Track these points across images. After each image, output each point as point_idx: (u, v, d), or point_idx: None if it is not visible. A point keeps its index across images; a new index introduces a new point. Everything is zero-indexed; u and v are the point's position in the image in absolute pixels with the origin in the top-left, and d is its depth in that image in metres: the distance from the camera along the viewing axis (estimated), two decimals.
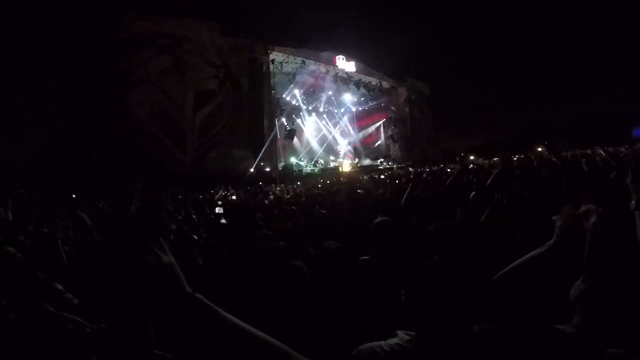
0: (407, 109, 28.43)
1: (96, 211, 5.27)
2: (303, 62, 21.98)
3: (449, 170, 9.45)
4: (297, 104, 25.21)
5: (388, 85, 27.61)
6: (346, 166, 22.95)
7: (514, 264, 1.20)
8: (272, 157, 21.16)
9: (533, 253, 1.19)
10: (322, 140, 27.88)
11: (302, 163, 23.73)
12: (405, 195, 3.43)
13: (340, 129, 29.04)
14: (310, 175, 19.71)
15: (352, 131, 29.72)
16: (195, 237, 2.92)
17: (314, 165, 23.10)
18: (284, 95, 23.73)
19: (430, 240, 1.86)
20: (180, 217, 4.66)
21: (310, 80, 23.32)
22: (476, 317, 0.94)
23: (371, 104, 28.34)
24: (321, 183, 11.27)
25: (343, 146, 28.74)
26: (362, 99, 28.10)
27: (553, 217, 1.97)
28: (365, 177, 11.27)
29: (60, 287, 1.36)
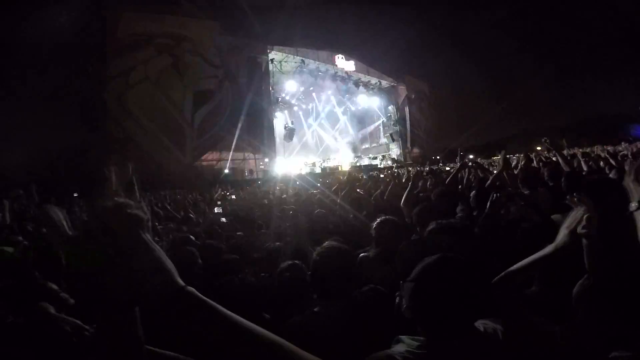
0: (407, 108, 28.42)
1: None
2: (302, 61, 21.97)
3: (448, 168, 9.46)
4: (296, 103, 25.19)
5: (387, 84, 27.60)
6: (345, 165, 22.94)
7: (518, 265, 1.19)
8: (271, 156, 21.15)
9: (537, 255, 1.18)
10: (322, 140, 27.87)
11: (301, 162, 23.71)
12: (405, 194, 3.42)
13: (340, 128, 29.03)
14: (309, 174, 19.70)
15: (351, 130, 29.71)
16: (192, 237, 2.91)
17: (314, 164, 23.09)
18: (283, 95, 23.71)
19: (431, 239, 1.86)
20: (179, 217, 4.65)
21: (309, 79, 23.31)
22: (480, 316, 0.93)
23: (370, 103, 28.34)
24: (320, 182, 11.27)
25: (342, 145, 28.73)
26: (362, 98, 28.10)
27: (552, 217, 1.97)
28: (364, 176, 11.27)
29: (55, 287, 1.35)
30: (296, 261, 1.90)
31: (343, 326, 1.34)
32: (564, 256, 1.14)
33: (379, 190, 4.85)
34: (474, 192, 2.88)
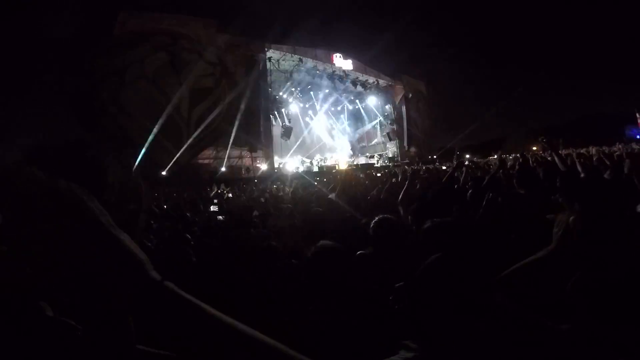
0: (404, 107, 28.47)
1: None
2: (300, 59, 21.92)
3: (444, 168, 9.49)
4: (293, 102, 25.15)
5: (385, 83, 27.62)
6: (343, 164, 22.95)
7: (514, 267, 1.20)
8: (268, 155, 21.10)
9: (533, 257, 1.19)
10: (319, 138, 27.84)
11: (298, 161, 23.70)
12: (401, 193, 3.43)
13: (337, 126, 29.03)
14: (306, 173, 19.69)
15: (348, 129, 29.72)
16: (188, 235, 2.90)
17: (311, 163, 23.08)
18: (280, 93, 23.67)
19: (425, 237, 1.86)
20: (175, 215, 4.63)
21: (307, 78, 23.28)
22: (479, 316, 0.94)
23: (368, 102, 28.35)
24: (317, 181, 11.27)
25: (339, 144, 28.74)
26: (359, 97, 28.10)
27: (547, 216, 1.98)
28: (361, 175, 11.29)
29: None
30: (293, 260, 1.90)
31: (338, 325, 1.34)
32: (557, 258, 1.15)
33: (375, 189, 4.86)
34: (470, 191, 2.89)
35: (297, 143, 26.13)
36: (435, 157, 24.99)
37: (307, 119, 27.03)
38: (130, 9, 17.54)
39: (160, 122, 17.34)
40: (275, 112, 22.87)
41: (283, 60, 21.84)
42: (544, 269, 1.29)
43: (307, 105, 26.40)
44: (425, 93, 31.18)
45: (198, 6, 19.08)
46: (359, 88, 26.07)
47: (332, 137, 28.61)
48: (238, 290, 1.93)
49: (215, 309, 0.44)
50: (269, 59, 21.20)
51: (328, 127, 28.39)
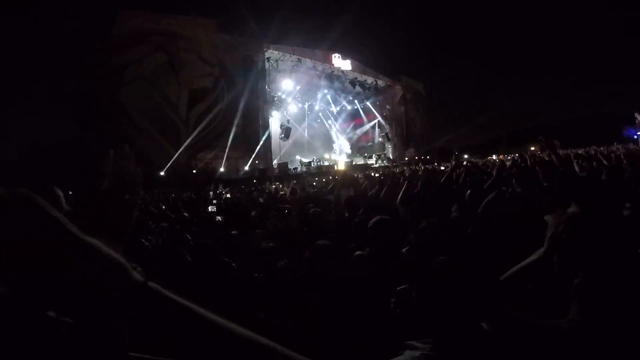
0: (402, 108, 28.53)
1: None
2: (299, 60, 21.93)
3: (442, 168, 9.50)
4: (292, 102, 25.14)
5: (383, 83, 27.66)
6: (341, 164, 22.95)
7: (510, 272, 1.21)
8: (267, 155, 21.09)
9: (525, 262, 1.20)
10: (317, 139, 27.84)
11: (297, 161, 23.69)
12: (400, 194, 3.43)
13: (336, 127, 29.04)
14: (305, 173, 19.67)
15: (347, 129, 29.74)
16: (188, 235, 2.89)
17: (309, 163, 23.07)
18: (279, 94, 23.66)
19: (421, 236, 1.86)
20: (173, 216, 4.61)
21: (305, 78, 23.28)
22: (486, 316, 0.95)
23: (366, 103, 28.37)
24: (316, 181, 11.26)
25: (338, 145, 28.75)
26: (358, 97, 28.12)
27: (545, 217, 1.98)
28: (360, 175, 11.28)
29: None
30: (292, 260, 1.90)
31: (337, 324, 1.33)
32: (552, 259, 1.15)
33: (374, 189, 4.85)
34: (469, 191, 2.89)
35: (296, 143, 26.12)
36: (433, 157, 25.03)
37: (306, 119, 27.03)
38: (129, 9, 17.50)
39: (158, 122, 17.31)
40: (274, 113, 22.86)
41: (282, 60, 21.84)
42: (539, 270, 1.30)
43: (305, 106, 26.40)
44: (424, 93, 31.26)
45: (197, 6, 19.03)
46: (358, 88, 26.09)
47: (330, 137, 28.62)
48: (236, 290, 1.92)
49: (211, 310, 0.42)
50: (268, 59, 21.20)
51: (327, 128, 28.40)
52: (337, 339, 1.33)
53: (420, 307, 0.98)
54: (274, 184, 11.94)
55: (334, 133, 28.86)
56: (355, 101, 28.38)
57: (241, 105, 19.86)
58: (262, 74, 21.06)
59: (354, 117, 29.75)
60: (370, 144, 30.10)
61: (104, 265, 0.37)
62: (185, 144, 18.33)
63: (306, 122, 27.04)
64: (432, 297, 0.97)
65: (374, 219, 2.12)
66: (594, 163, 5.07)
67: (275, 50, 21.24)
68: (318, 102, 26.61)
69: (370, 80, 26.57)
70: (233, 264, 2.27)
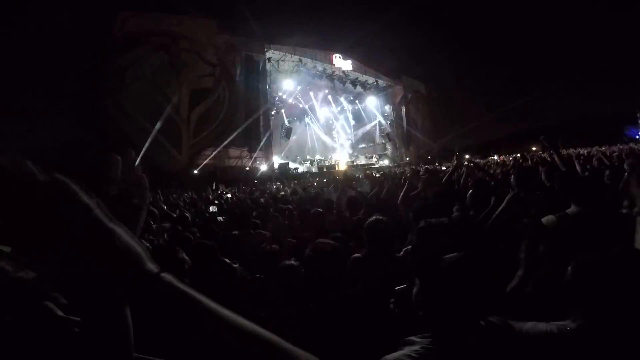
0: (403, 108, 28.50)
1: None
2: (300, 60, 21.92)
3: (444, 168, 9.50)
4: (293, 103, 25.15)
5: (384, 83, 27.65)
6: (342, 165, 22.96)
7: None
8: (268, 155, 21.10)
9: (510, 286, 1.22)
10: (319, 139, 27.85)
11: (298, 162, 23.71)
12: (401, 194, 3.42)
13: (337, 127, 29.04)
14: (306, 173, 19.68)
15: (348, 129, 29.73)
16: (190, 235, 2.89)
17: (311, 163, 23.08)
18: (280, 94, 23.67)
19: (419, 237, 1.86)
20: (175, 216, 4.62)
21: (306, 78, 23.28)
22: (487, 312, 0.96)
23: (367, 103, 28.36)
24: (317, 181, 11.27)
25: (339, 145, 28.75)
26: (359, 97, 28.11)
27: (542, 219, 1.97)
28: (361, 175, 11.29)
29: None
30: (293, 262, 1.89)
31: (336, 322, 1.34)
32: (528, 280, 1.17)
33: (375, 189, 4.85)
34: (470, 191, 2.89)
35: (297, 143, 26.14)
36: (434, 157, 25.00)
37: (307, 119, 27.03)
38: (130, 10, 17.53)
39: (159, 122, 17.33)
40: (275, 113, 22.88)
41: (282, 60, 21.84)
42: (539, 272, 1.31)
43: (306, 106, 26.41)
44: (425, 93, 31.22)
45: (197, 6, 19.04)
46: (359, 88, 26.09)
47: (331, 137, 28.62)
48: (237, 290, 1.92)
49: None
50: (269, 59, 21.21)
51: (328, 128, 28.40)
52: (338, 336, 1.33)
53: (420, 306, 0.99)
54: (275, 184, 11.95)
55: (335, 133, 28.86)
56: (356, 101, 28.38)
57: (242, 106, 19.88)
58: (263, 74, 21.06)
59: (355, 117, 29.75)
60: (371, 144, 30.10)
61: (122, 251, 0.38)
62: (187, 144, 18.35)
63: (307, 122, 27.05)
64: (432, 297, 0.97)
65: (370, 219, 2.11)
66: (596, 163, 5.06)
67: (276, 50, 21.25)
68: (319, 102, 26.61)
69: (371, 80, 26.56)
70: (234, 264, 2.27)
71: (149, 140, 16.98)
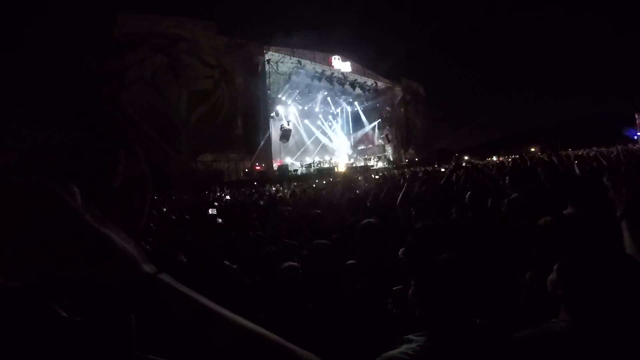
0: (402, 110, 28.54)
1: None
2: (299, 62, 21.95)
3: (443, 170, 9.51)
4: (292, 104, 25.18)
5: (383, 85, 27.69)
6: (341, 166, 22.97)
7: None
8: (267, 157, 21.10)
9: None
10: (318, 141, 27.86)
11: (297, 163, 23.70)
12: (400, 195, 3.43)
13: (336, 129, 29.07)
14: (305, 175, 19.68)
15: (347, 131, 29.76)
16: (190, 237, 2.89)
17: (310, 165, 23.09)
18: (279, 95, 23.69)
19: (416, 238, 1.87)
20: (174, 218, 4.62)
21: (305, 80, 23.31)
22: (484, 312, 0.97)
23: (366, 105, 28.40)
24: (316, 183, 11.27)
25: (338, 146, 28.77)
26: (358, 99, 28.14)
27: (539, 221, 1.98)
28: (360, 177, 11.29)
29: None
30: (294, 263, 1.90)
31: (336, 322, 1.34)
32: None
33: (374, 191, 4.86)
34: (469, 193, 2.90)
35: (296, 145, 26.14)
36: (433, 159, 25.02)
37: (306, 121, 27.05)
38: (129, 12, 17.55)
39: (158, 124, 17.32)
40: (274, 115, 22.88)
41: (282, 62, 21.87)
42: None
43: (305, 108, 26.43)
44: (424, 95, 31.28)
45: (197, 8, 19.10)
46: (358, 90, 26.12)
47: (330, 139, 28.64)
48: (236, 293, 1.93)
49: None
50: (268, 61, 21.23)
51: (327, 129, 28.43)
52: (335, 335, 1.34)
53: (416, 306, 1.00)
54: (274, 187, 11.95)
55: (333, 135, 28.88)
56: (355, 103, 28.42)
57: (241, 108, 19.89)
58: (262, 76, 21.08)
59: (354, 119, 29.79)
60: (370, 145, 30.12)
61: (116, 256, 0.37)
62: (186, 146, 18.35)
63: (306, 124, 27.06)
64: (428, 297, 0.99)
65: (362, 222, 2.10)
66: (594, 164, 5.07)
67: (275, 52, 21.27)
68: (318, 104, 26.63)
69: (370, 82, 26.60)
70: (234, 267, 2.28)
71: (148, 142, 16.97)
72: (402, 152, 27.98)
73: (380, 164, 24.71)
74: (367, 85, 26.63)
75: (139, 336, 0.47)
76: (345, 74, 24.37)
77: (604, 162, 5.03)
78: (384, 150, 28.52)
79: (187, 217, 4.70)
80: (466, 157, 19.10)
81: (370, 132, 29.82)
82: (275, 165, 21.41)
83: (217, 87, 19.41)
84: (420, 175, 6.89)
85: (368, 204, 3.94)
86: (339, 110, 28.74)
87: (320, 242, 1.76)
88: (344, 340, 1.28)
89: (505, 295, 1.31)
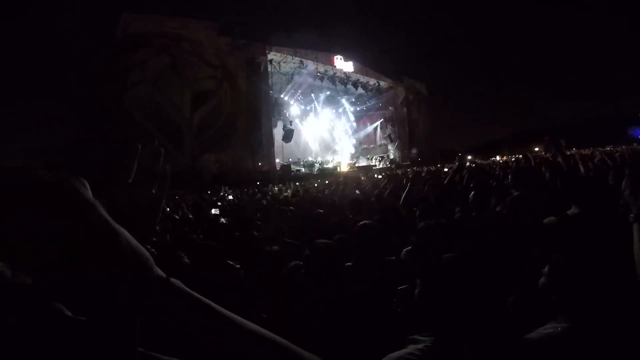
0: (405, 109, 28.47)
1: None
2: (301, 62, 21.96)
3: (446, 169, 9.48)
4: (295, 104, 25.19)
5: (386, 85, 27.64)
6: (344, 166, 22.95)
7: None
8: (269, 157, 21.13)
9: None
10: (320, 141, 27.86)
11: (300, 163, 23.71)
12: (403, 195, 3.42)
13: (338, 129, 29.05)
14: (308, 175, 19.68)
15: (350, 131, 29.74)
16: (194, 237, 2.90)
17: (312, 165, 23.09)
18: (281, 95, 23.71)
19: (419, 238, 1.86)
20: (177, 217, 4.63)
21: (308, 80, 23.32)
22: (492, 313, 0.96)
23: (369, 104, 28.35)
24: (318, 183, 11.27)
25: (341, 146, 28.75)
26: (360, 99, 28.11)
27: (544, 221, 1.97)
28: (363, 177, 11.28)
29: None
30: (299, 262, 1.90)
31: (339, 321, 1.34)
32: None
33: (377, 191, 4.85)
34: (472, 192, 2.88)
35: (299, 145, 26.14)
36: (436, 158, 24.95)
37: (309, 121, 27.06)
38: (132, 12, 17.64)
39: (162, 124, 17.39)
40: (277, 115, 22.91)
41: (284, 62, 21.89)
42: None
43: (308, 108, 26.43)
44: (427, 94, 31.19)
45: (199, 9, 19.18)
46: (360, 90, 26.08)
47: (333, 139, 28.63)
48: (239, 292, 1.93)
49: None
50: (270, 61, 21.25)
51: (329, 129, 28.42)
52: (340, 336, 1.34)
53: (423, 306, 0.99)
54: (277, 186, 11.96)
55: (336, 135, 28.86)
56: (358, 102, 28.38)
57: (244, 108, 19.94)
58: (265, 76, 21.11)
59: (357, 119, 29.76)
60: (373, 145, 30.07)
61: (128, 256, 0.36)
62: (189, 146, 18.41)
63: (309, 124, 27.07)
64: (434, 296, 0.98)
65: (359, 223, 2.09)
66: (599, 163, 5.04)
67: (278, 52, 21.29)
68: (320, 104, 26.63)
69: (372, 81, 26.56)
70: (237, 266, 2.28)
71: (151, 142, 17.00)
72: (405, 151, 27.92)
73: (383, 164, 24.66)
74: (370, 85, 26.59)
75: (146, 338, 0.47)
76: (347, 74, 24.35)
77: (609, 162, 4.99)
78: (387, 150, 28.46)
79: (190, 216, 4.71)
80: (469, 157, 19.02)
81: (373, 132, 29.77)
82: (277, 165, 21.43)
83: (220, 88, 19.46)
84: (423, 175, 6.86)
85: (371, 204, 3.94)
86: (341, 110, 28.73)
87: (323, 242, 1.76)
88: (348, 341, 1.27)
89: (511, 295, 1.30)
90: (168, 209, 5.29)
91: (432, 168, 13.41)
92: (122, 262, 0.35)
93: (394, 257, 2.01)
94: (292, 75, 22.59)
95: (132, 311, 0.39)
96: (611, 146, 11.82)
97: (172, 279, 0.39)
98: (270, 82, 21.45)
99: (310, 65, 22.63)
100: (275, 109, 22.54)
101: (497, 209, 2.68)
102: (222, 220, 4.47)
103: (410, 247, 2.01)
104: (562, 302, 1.03)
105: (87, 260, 0.33)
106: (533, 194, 2.82)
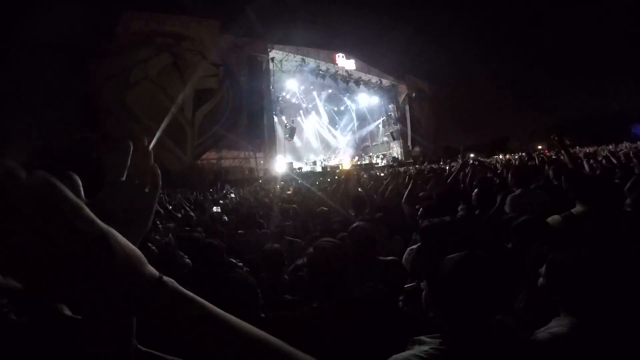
0: (407, 107, 28.38)
1: None
2: (303, 60, 21.94)
3: (449, 167, 9.44)
4: (297, 102, 25.17)
5: (388, 83, 27.55)
6: (346, 164, 22.93)
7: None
8: (272, 155, 21.13)
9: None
10: (322, 139, 27.83)
11: (302, 161, 23.70)
12: (406, 193, 3.41)
13: (340, 127, 29.01)
14: (310, 173, 19.68)
15: (352, 129, 29.69)
16: (198, 234, 2.90)
17: (314, 163, 23.08)
18: (283, 94, 23.69)
19: (422, 236, 1.85)
20: (180, 216, 4.64)
21: (310, 78, 23.28)
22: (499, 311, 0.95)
23: (371, 102, 28.29)
24: (320, 181, 11.26)
25: (343, 144, 28.71)
26: (362, 97, 28.06)
27: (549, 219, 1.95)
28: (365, 175, 11.26)
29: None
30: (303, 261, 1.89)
31: (341, 322, 1.33)
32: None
33: (380, 189, 4.84)
34: (476, 190, 2.87)
35: (301, 143, 26.14)
36: (439, 156, 24.87)
37: (311, 119, 27.04)
38: (134, 10, 17.63)
39: (164, 123, 17.41)
40: (279, 113, 22.90)
41: (286, 60, 21.86)
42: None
43: (310, 106, 26.41)
44: (429, 92, 31.06)
45: (201, 7, 19.14)
46: (362, 88, 26.02)
47: (335, 137, 28.59)
48: (240, 290, 1.92)
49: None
50: (272, 59, 21.23)
51: (331, 127, 28.38)
52: (344, 337, 1.33)
53: (429, 307, 0.98)
54: (279, 184, 11.96)
55: (338, 132, 28.83)
56: (360, 100, 28.34)
57: (246, 106, 19.93)
58: (267, 74, 21.09)
59: (359, 117, 29.71)
60: (375, 143, 30.02)
61: (119, 255, 0.35)
62: (191, 144, 18.44)
63: (311, 122, 27.05)
64: (440, 297, 0.97)
65: (352, 225, 2.08)
66: (603, 162, 5.01)
67: (279, 50, 21.26)
68: (322, 102, 26.59)
69: (374, 79, 26.48)
70: (239, 264, 2.28)
71: (154, 140, 17.05)
72: (407, 149, 27.84)
73: (385, 162, 24.62)
74: (372, 83, 26.52)
75: (142, 338, 0.46)
76: (349, 72, 24.29)
77: (613, 160, 4.96)
78: (389, 148, 28.40)
79: (192, 215, 4.72)
80: (472, 155, 18.95)
81: (375, 130, 29.71)
82: (280, 163, 21.45)
83: (222, 86, 19.46)
84: (426, 172, 6.84)
85: (374, 202, 3.92)
86: (343, 107, 28.67)
87: (326, 240, 1.75)
88: (351, 342, 1.26)
89: (518, 294, 1.29)
90: (170, 207, 5.29)
91: (435, 166, 13.37)
92: (112, 263, 0.34)
93: (390, 258, 2.00)
94: (294, 73, 22.57)
95: (124, 311, 0.37)
96: (614, 145, 11.73)
97: (165, 278, 0.38)
98: (272, 80, 21.44)
99: (312, 63, 22.60)
100: (277, 107, 22.53)
101: (500, 207, 2.66)
102: (225, 218, 4.47)
103: (414, 247, 2.00)
104: (563, 301, 1.02)
105: (75, 263, 0.32)
106: (532, 192, 2.80)
